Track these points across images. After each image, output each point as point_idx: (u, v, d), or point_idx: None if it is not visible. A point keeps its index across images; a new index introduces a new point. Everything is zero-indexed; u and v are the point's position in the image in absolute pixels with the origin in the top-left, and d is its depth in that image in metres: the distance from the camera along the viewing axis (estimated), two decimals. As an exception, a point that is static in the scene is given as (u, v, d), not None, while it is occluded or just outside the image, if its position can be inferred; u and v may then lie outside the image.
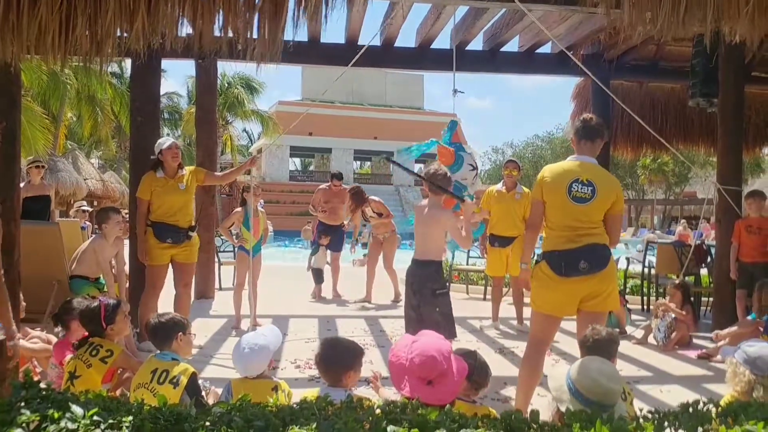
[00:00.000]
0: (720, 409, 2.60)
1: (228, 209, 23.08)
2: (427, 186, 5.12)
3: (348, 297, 10.62)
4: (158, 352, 3.84)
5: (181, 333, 3.91)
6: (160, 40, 3.97)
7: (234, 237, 7.97)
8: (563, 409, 2.73)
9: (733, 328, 6.75)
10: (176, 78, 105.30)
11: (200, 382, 3.96)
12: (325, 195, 10.71)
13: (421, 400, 2.51)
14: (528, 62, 9.82)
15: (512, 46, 9.55)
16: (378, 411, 2.36)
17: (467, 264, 12.32)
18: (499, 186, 8.34)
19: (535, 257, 4.42)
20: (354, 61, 6.53)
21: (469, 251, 12.69)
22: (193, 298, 9.00)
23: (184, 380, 3.59)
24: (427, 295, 5.02)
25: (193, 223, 6.56)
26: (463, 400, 3.28)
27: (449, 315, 5.06)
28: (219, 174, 7.15)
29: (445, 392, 2.95)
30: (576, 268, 4.01)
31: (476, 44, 9.43)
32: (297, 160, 58.70)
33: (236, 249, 8.18)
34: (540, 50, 9.66)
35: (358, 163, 56.83)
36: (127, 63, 9.91)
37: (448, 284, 5.32)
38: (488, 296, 10.82)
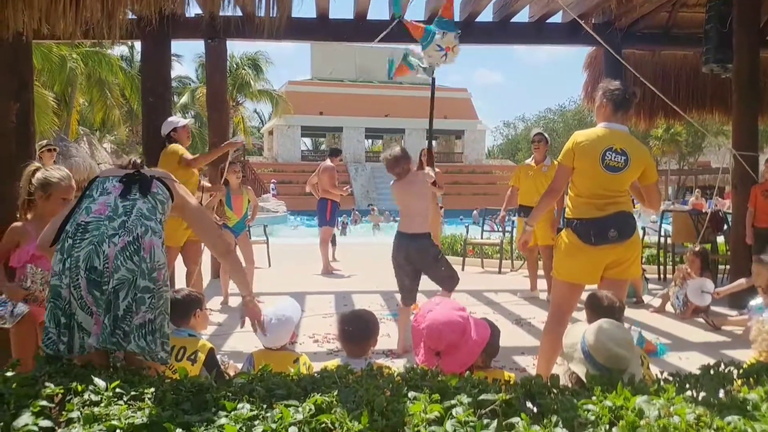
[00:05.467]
0: (741, 370, 2.60)
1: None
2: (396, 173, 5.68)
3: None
4: (175, 328, 3.84)
5: (198, 309, 3.93)
6: (171, 6, 3.93)
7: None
8: (572, 367, 2.74)
9: (734, 284, 6.86)
10: (188, 64, 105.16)
11: (218, 357, 3.98)
12: (335, 173, 10.80)
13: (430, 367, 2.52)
14: (539, 32, 9.72)
15: (522, 16, 9.46)
16: (398, 378, 2.37)
17: (482, 238, 12.30)
18: (529, 160, 8.66)
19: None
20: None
21: (483, 226, 12.69)
22: (210, 277, 9.10)
23: (201, 356, 3.60)
24: (431, 262, 5.62)
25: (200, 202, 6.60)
26: (480, 368, 3.27)
27: (450, 267, 5.73)
28: (190, 157, 6.56)
29: (454, 364, 2.91)
30: (606, 237, 3.98)
31: (486, 15, 9.36)
32: (308, 140, 58.61)
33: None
34: (551, 20, 9.56)
35: (370, 141, 56.66)
36: (138, 47, 9.90)
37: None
38: (504, 269, 10.88)
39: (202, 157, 6.84)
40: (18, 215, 4.08)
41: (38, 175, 4.01)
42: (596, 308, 3.64)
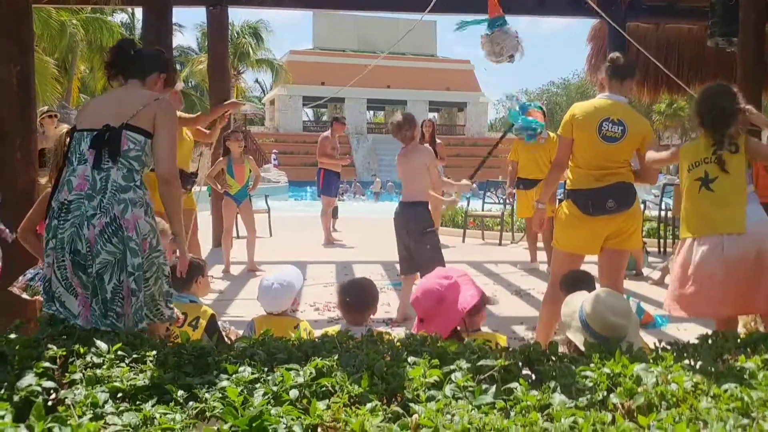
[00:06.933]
0: (739, 340, 2.61)
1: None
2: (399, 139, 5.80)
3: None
4: (176, 294, 3.85)
5: (200, 276, 3.94)
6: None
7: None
8: (570, 335, 2.77)
9: None
10: (189, 33, 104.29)
11: (220, 323, 4.00)
12: (332, 142, 10.79)
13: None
14: (542, 4, 9.65)
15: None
16: (398, 344, 2.39)
17: (483, 210, 12.31)
18: None
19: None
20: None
21: (484, 198, 12.70)
22: (211, 246, 9.13)
23: (203, 322, 3.62)
24: (417, 233, 5.58)
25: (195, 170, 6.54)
26: (465, 331, 3.32)
27: (439, 249, 5.65)
28: (191, 116, 6.48)
29: (433, 330, 2.94)
30: (603, 207, 3.99)
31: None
32: (309, 111, 58.36)
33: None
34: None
35: (372, 112, 56.42)
36: (138, 14, 9.77)
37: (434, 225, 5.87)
38: (504, 241, 10.90)
39: (203, 117, 6.73)
40: (48, 181, 3.78)
41: None
42: (567, 284, 3.72)
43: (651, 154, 4.07)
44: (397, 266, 8.15)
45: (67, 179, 2.89)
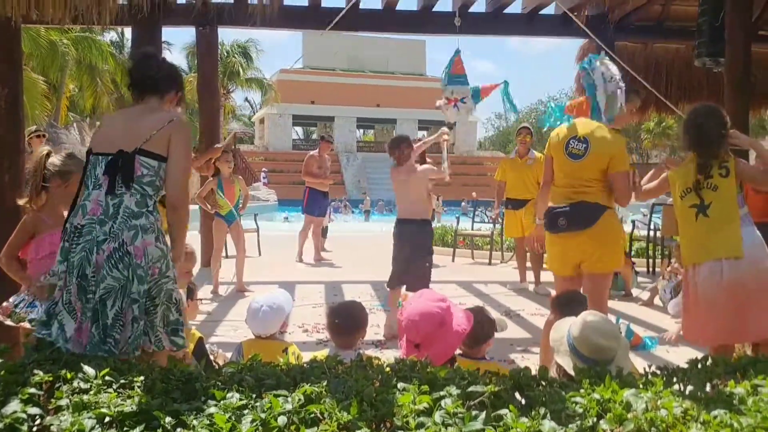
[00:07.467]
0: (729, 365, 2.61)
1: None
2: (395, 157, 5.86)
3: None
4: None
5: (189, 299, 3.92)
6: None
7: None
8: (558, 360, 2.76)
9: None
10: (178, 52, 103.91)
11: (208, 346, 3.98)
12: (319, 161, 10.81)
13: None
14: (531, 24, 9.73)
15: (515, 7, 9.47)
16: (387, 369, 2.37)
17: (472, 229, 12.33)
18: (512, 154, 8.85)
19: None
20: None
21: (473, 218, 12.74)
22: (200, 266, 9.07)
23: (190, 345, 3.60)
24: (424, 251, 5.71)
25: None
26: (469, 358, 3.29)
27: (430, 270, 5.80)
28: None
29: (433, 355, 2.89)
30: (555, 225, 4.10)
31: (479, 6, 9.33)
32: (299, 129, 58.43)
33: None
34: (543, 12, 9.56)
35: (361, 131, 56.54)
36: (128, 34, 9.73)
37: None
38: (494, 260, 10.91)
39: (195, 161, 6.70)
40: (25, 203, 3.72)
41: (53, 160, 3.69)
42: (559, 305, 3.72)
43: (642, 185, 4.13)
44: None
45: (82, 203, 2.87)
